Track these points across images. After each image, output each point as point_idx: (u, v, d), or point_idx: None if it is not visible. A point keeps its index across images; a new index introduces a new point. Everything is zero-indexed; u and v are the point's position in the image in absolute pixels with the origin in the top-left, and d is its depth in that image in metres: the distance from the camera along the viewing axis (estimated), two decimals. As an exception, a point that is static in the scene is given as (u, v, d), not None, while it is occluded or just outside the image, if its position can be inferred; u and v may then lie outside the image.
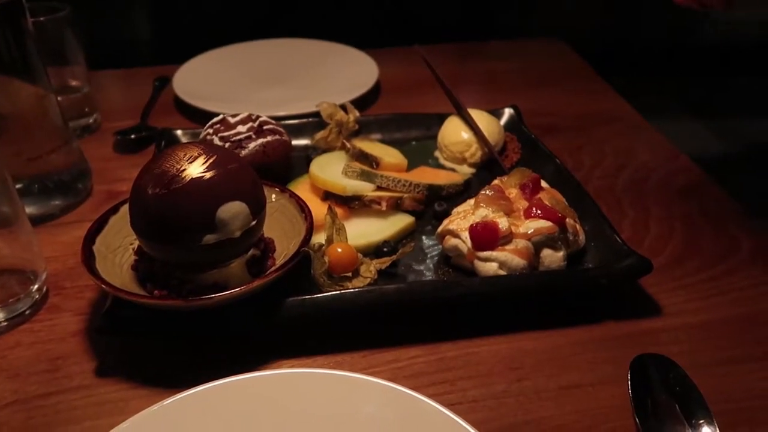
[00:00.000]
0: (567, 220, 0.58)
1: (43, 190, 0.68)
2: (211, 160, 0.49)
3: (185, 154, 0.49)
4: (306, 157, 0.74)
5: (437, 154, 0.78)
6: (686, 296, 0.59)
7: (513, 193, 0.60)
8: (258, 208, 0.52)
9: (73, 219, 0.70)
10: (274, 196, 0.60)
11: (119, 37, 1.24)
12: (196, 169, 0.48)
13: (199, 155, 0.49)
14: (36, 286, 0.57)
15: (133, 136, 0.83)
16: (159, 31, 1.27)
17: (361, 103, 0.90)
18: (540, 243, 0.57)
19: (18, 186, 0.66)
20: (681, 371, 0.48)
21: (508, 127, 0.81)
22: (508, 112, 0.84)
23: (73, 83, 0.86)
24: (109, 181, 0.76)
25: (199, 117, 0.88)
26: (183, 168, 0.48)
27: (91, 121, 0.88)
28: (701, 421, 0.45)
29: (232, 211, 0.49)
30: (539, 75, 1.07)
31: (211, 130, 0.69)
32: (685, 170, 0.80)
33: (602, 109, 0.95)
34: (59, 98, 0.82)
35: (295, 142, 0.76)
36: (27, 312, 0.56)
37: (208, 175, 0.48)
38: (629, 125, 0.91)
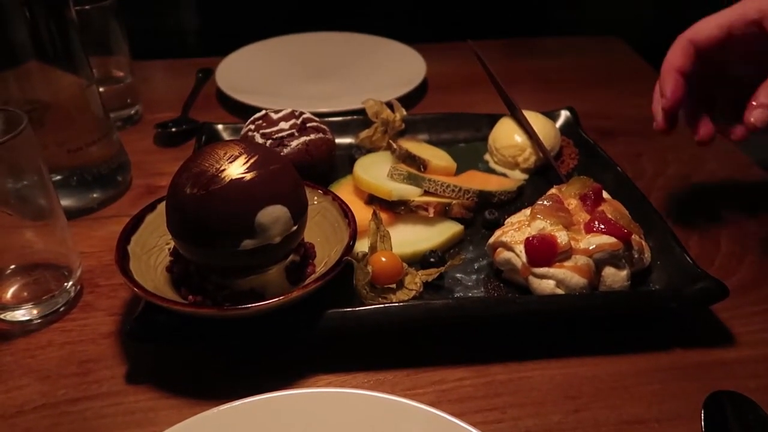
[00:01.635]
0: (632, 236, 0.53)
1: (82, 182, 0.67)
2: (252, 161, 0.46)
3: (225, 153, 0.46)
4: (349, 156, 0.71)
5: (487, 157, 0.74)
6: (763, 324, 0.54)
7: (572, 204, 0.56)
8: (299, 213, 0.48)
9: (110, 213, 0.68)
10: (316, 198, 0.57)
11: (163, 27, 1.23)
12: (236, 169, 0.46)
13: (240, 154, 0.46)
14: (70, 283, 0.55)
15: (173, 129, 0.82)
16: (203, 22, 1.26)
17: (408, 100, 0.86)
18: (602, 260, 0.52)
19: (56, 178, 0.65)
20: (762, 412, 0.43)
21: (564, 130, 0.76)
22: (564, 114, 0.79)
23: (116, 74, 0.85)
24: (148, 175, 0.75)
25: (241, 111, 0.86)
26: (223, 168, 0.45)
27: (132, 112, 0.86)
28: (786, 472, 0.40)
29: (273, 215, 0.46)
30: (595, 74, 1.01)
31: (252, 126, 0.66)
32: (758, 181, 0.74)
33: (665, 113, 0.89)
34: (101, 89, 0.81)
35: (338, 141, 0.73)
36: (61, 309, 0.55)
37: (248, 176, 0.46)
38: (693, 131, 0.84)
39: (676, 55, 0.56)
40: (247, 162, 0.46)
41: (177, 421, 0.41)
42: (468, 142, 0.77)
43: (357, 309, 0.49)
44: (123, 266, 0.48)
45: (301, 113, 0.68)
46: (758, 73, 0.53)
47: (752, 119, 0.51)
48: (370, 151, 0.72)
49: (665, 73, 0.57)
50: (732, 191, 0.72)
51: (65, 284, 0.55)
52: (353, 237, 0.52)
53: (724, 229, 0.65)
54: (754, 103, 0.51)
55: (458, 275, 0.57)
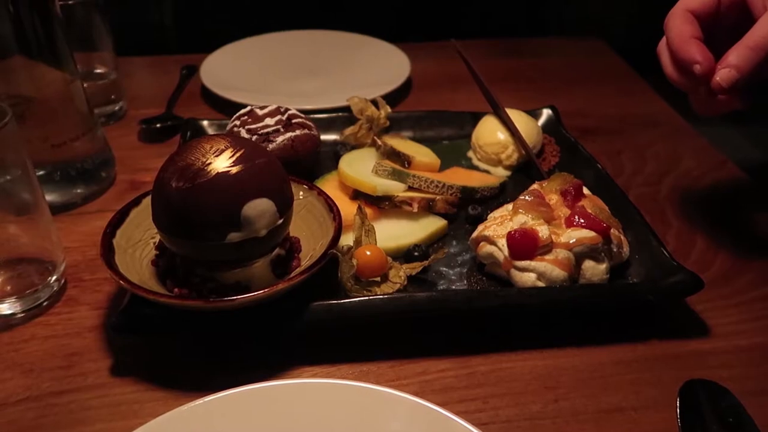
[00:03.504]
0: (611, 230, 0.54)
1: (66, 177, 0.66)
2: (238, 154, 0.47)
3: (211, 147, 0.47)
4: (335, 152, 0.72)
5: (471, 154, 0.75)
6: (737, 316, 0.55)
7: (554, 199, 0.57)
8: (285, 206, 0.49)
9: (94, 208, 0.68)
10: (301, 192, 0.57)
11: (148, 23, 1.22)
12: (222, 162, 0.46)
13: (226, 148, 0.47)
14: (54, 277, 0.55)
15: (158, 125, 0.82)
16: (188, 19, 1.25)
17: (392, 99, 0.87)
18: (582, 254, 0.53)
19: (40, 173, 0.65)
20: (735, 400, 0.45)
21: (546, 128, 0.78)
22: (546, 112, 0.80)
23: (100, 69, 0.85)
24: (132, 171, 0.74)
25: (226, 108, 0.86)
26: (209, 161, 0.46)
27: (116, 108, 0.86)
28: (757, 457, 0.41)
29: (259, 208, 0.46)
30: (576, 74, 1.03)
31: (238, 122, 0.66)
32: (733, 178, 0.76)
33: (643, 111, 0.91)
34: (85, 84, 0.80)
35: (323, 137, 0.73)
36: (44, 303, 0.55)
37: (234, 169, 0.46)
38: (671, 129, 0.86)
39: (683, 24, 0.52)
40: (233, 156, 0.46)
41: (162, 413, 0.41)
42: (451, 139, 0.78)
43: (342, 301, 0.49)
44: (108, 259, 0.49)
45: (287, 109, 0.68)
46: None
47: (717, 78, 0.49)
48: (354, 147, 0.72)
49: (682, 43, 0.51)
50: (708, 188, 0.74)
51: (49, 278, 0.55)
52: (338, 231, 0.52)
53: (700, 224, 0.67)
54: (719, 65, 0.50)
55: (442, 269, 0.57)
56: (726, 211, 0.69)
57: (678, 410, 0.44)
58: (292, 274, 0.50)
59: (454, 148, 0.76)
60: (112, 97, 0.85)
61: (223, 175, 0.45)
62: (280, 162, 0.51)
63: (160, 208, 0.48)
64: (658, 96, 0.95)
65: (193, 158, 0.46)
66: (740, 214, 0.69)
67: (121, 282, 0.47)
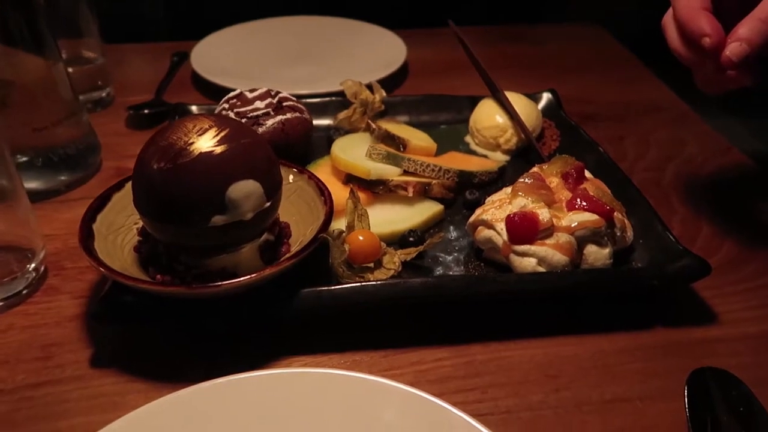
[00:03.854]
0: (615, 213, 0.52)
1: (48, 163, 0.64)
2: (222, 134, 0.44)
3: (194, 126, 0.44)
4: (328, 138, 0.69)
5: (468, 139, 0.73)
6: (744, 303, 0.53)
7: (554, 182, 0.55)
8: (273, 189, 0.47)
9: (79, 195, 0.66)
10: (291, 176, 0.55)
11: (138, 12, 1.20)
12: (205, 142, 0.44)
13: (210, 128, 0.44)
14: (33, 265, 0.53)
15: (146, 111, 0.79)
16: (179, 6, 1.23)
17: (388, 85, 0.85)
18: (584, 238, 0.51)
19: (22, 159, 0.63)
20: (746, 389, 0.43)
21: (546, 112, 0.75)
22: (546, 96, 0.78)
23: (86, 54, 0.82)
24: (118, 158, 0.72)
25: (217, 94, 0.82)
26: (191, 141, 0.43)
27: (104, 94, 0.84)
28: (769, 448, 0.39)
29: (245, 190, 0.44)
30: (577, 61, 1.01)
31: (226, 105, 0.64)
32: (738, 164, 0.73)
33: (645, 97, 0.89)
34: (71, 69, 0.78)
35: (316, 122, 0.71)
36: (24, 292, 0.52)
37: (218, 149, 0.44)
38: (674, 115, 0.84)
39: None
40: (217, 135, 0.44)
41: (143, 404, 0.39)
42: (449, 124, 0.75)
43: (333, 288, 0.47)
44: (87, 245, 0.46)
45: (278, 92, 0.66)
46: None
47: (727, 52, 0.47)
48: (348, 132, 0.70)
49: (690, 14, 0.49)
50: (713, 174, 0.72)
51: (28, 266, 0.53)
52: (329, 215, 0.50)
53: (705, 211, 0.64)
54: (729, 39, 0.47)
55: (438, 255, 0.55)
56: (732, 197, 0.67)
57: (686, 399, 0.42)
58: (281, 260, 0.48)
59: (451, 133, 0.73)
60: (99, 83, 0.83)
61: (207, 155, 0.43)
62: (268, 143, 0.49)
63: (141, 190, 0.45)
64: (660, 82, 0.93)
65: (175, 138, 0.44)
66: (746, 201, 0.67)
67: (100, 268, 0.44)
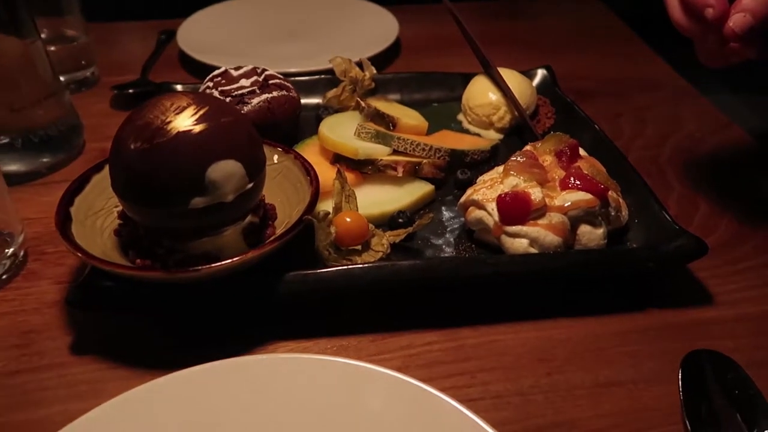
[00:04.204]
0: (609, 192, 0.50)
1: (29, 145, 0.62)
2: (201, 112, 0.43)
3: (172, 104, 0.43)
4: (316, 116, 0.68)
5: (461, 117, 0.71)
6: (742, 283, 0.52)
7: (548, 160, 0.53)
8: (255, 169, 0.45)
9: (61, 178, 0.64)
10: (276, 156, 0.54)
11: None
12: (184, 121, 0.42)
13: (188, 105, 0.43)
14: (11, 250, 0.51)
15: (131, 91, 0.77)
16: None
17: (380, 62, 0.83)
18: (577, 218, 0.49)
19: (1, 140, 0.61)
20: (742, 372, 0.42)
21: (541, 89, 0.73)
22: (540, 73, 0.76)
23: (68, 33, 0.80)
24: (103, 139, 0.70)
25: (204, 73, 0.79)
26: (169, 120, 0.42)
27: (88, 74, 0.82)
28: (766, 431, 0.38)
29: (225, 170, 0.43)
30: (573, 37, 0.98)
31: (210, 84, 0.62)
32: (737, 141, 0.72)
33: (643, 73, 0.87)
34: (52, 48, 0.76)
35: (305, 101, 0.69)
36: (3, 277, 0.51)
37: (197, 128, 0.42)
38: (673, 91, 0.83)
39: None
40: (195, 113, 0.42)
41: (124, 392, 0.38)
42: (441, 102, 0.74)
43: (318, 271, 0.46)
44: (63, 229, 0.45)
45: (264, 70, 0.64)
46: None
47: (731, 24, 0.45)
48: (337, 110, 0.68)
49: None
50: (711, 151, 0.70)
51: (6, 251, 0.51)
52: (315, 196, 0.49)
53: (703, 189, 0.63)
54: (733, 9, 0.46)
55: (429, 236, 0.54)
56: (730, 174, 0.66)
57: (680, 383, 0.41)
58: (265, 243, 0.46)
59: (443, 111, 0.71)
60: (83, 62, 0.81)
61: (185, 135, 0.41)
62: (250, 121, 0.47)
63: (117, 171, 0.44)
64: (659, 57, 0.91)
65: (151, 117, 0.42)
66: (745, 178, 0.65)
67: (77, 253, 0.43)
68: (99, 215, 0.49)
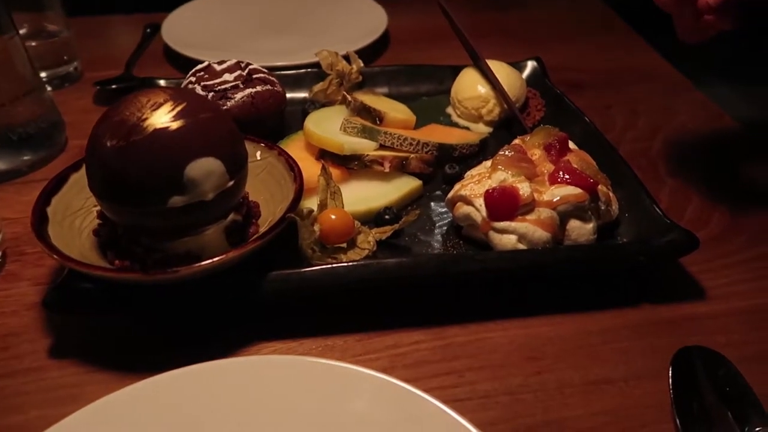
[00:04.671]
0: (599, 186, 0.50)
1: (7, 143, 0.61)
2: (179, 108, 0.41)
3: (149, 101, 0.41)
4: (303, 111, 0.67)
5: (450, 110, 0.70)
6: (734, 277, 0.51)
7: (536, 154, 0.52)
8: (236, 167, 0.44)
9: (42, 176, 0.62)
10: (259, 153, 0.52)
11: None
12: (160, 118, 0.41)
13: (165, 102, 0.41)
14: (-11, 251, 0.50)
15: (114, 87, 0.76)
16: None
17: (368, 55, 0.81)
18: (567, 213, 0.49)
19: (-21, 139, 0.60)
20: (732, 368, 0.41)
21: (531, 81, 0.72)
22: (530, 64, 0.75)
23: (49, 28, 0.78)
24: (86, 136, 0.65)
25: (190, 68, 0.79)
26: (145, 116, 0.41)
27: (71, 69, 0.80)
28: (757, 429, 0.37)
29: (204, 168, 0.41)
30: (564, 27, 0.97)
31: (193, 79, 0.61)
32: (730, 133, 0.71)
33: (635, 64, 0.86)
34: (33, 44, 0.75)
35: (291, 95, 0.68)
36: (-19, 280, 0.50)
37: (175, 125, 0.41)
38: (665, 83, 0.81)
39: None
40: (173, 110, 0.41)
41: (104, 396, 0.37)
42: (430, 95, 0.72)
43: (302, 270, 0.45)
44: (39, 230, 0.44)
45: (248, 64, 0.63)
46: None
47: None
48: (324, 105, 0.67)
49: None
50: (703, 143, 0.69)
51: (-17, 252, 0.50)
52: (299, 193, 0.48)
53: (695, 181, 0.62)
54: None
55: (416, 233, 0.53)
56: (723, 166, 0.65)
57: (670, 380, 0.41)
58: (247, 242, 0.45)
59: (432, 104, 0.70)
60: (65, 57, 0.79)
61: (162, 132, 0.40)
62: (231, 117, 0.46)
63: (94, 169, 0.43)
64: (651, 48, 0.90)
65: (127, 113, 0.41)
66: (737, 170, 0.64)
67: (53, 255, 0.42)
68: (77, 215, 0.48)
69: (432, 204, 0.57)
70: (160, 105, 0.41)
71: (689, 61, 0.93)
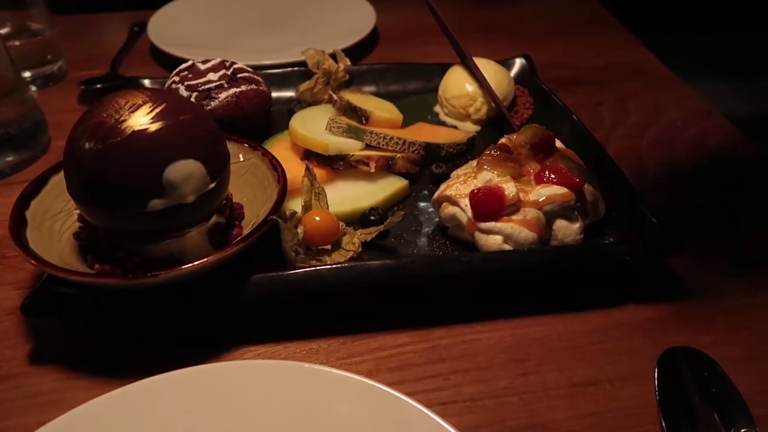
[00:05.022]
0: (585, 186, 0.49)
1: (-11, 144, 0.60)
2: (158, 110, 0.41)
3: (126, 102, 0.41)
4: (289, 110, 0.66)
5: (438, 109, 0.69)
6: (721, 276, 0.51)
7: (523, 153, 0.52)
8: (217, 169, 0.43)
9: (25, 178, 0.61)
10: (242, 154, 0.52)
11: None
12: (139, 119, 0.40)
13: (144, 103, 0.41)
14: (-31, 256, 0.50)
15: (100, 86, 0.75)
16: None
17: (356, 53, 0.81)
18: (553, 213, 0.48)
19: (-40, 140, 0.59)
20: (719, 369, 0.41)
21: (519, 79, 0.72)
22: (519, 62, 0.74)
23: (33, 26, 0.77)
24: None
25: (176, 67, 0.78)
26: (123, 118, 0.40)
27: (55, 69, 0.79)
28: (743, 430, 0.37)
29: (184, 171, 0.41)
30: (553, 24, 0.97)
31: (177, 78, 0.60)
32: (720, 130, 0.71)
33: (624, 61, 0.86)
34: (17, 42, 0.74)
35: (278, 94, 0.68)
36: (-39, 284, 0.49)
37: (153, 127, 0.40)
38: (655, 79, 0.81)
39: None
40: (151, 111, 0.41)
41: (84, 402, 0.37)
42: (417, 93, 0.72)
43: (285, 273, 0.44)
44: (17, 234, 0.43)
45: (233, 63, 0.62)
46: None
47: None
48: (311, 104, 0.66)
49: None
50: (693, 140, 0.69)
51: (-37, 256, 0.49)
52: (282, 195, 0.47)
53: (683, 178, 0.62)
54: None
55: (402, 234, 0.52)
56: (711, 164, 0.64)
57: (656, 381, 0.40)
58: (229, 245, 0.45)
59: (419, 103, 0.70)
60: (49, 56, 0.78)
61: (140, 134, 0.40)
62: (212, 119, 0.45)
63: (72, 173, 0.42)
64: (640, 44, 0.90)
65: (105, 115, 0.40)
66: (727, 167, 0.64)
67: (30, 260, 0.41)
68: (57, 218, 0.47)
69: (419, 204, 0.56)
70: (139, 106, 0.40)
71: (678, 56, 0.93)
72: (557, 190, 0.48)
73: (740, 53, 1.20)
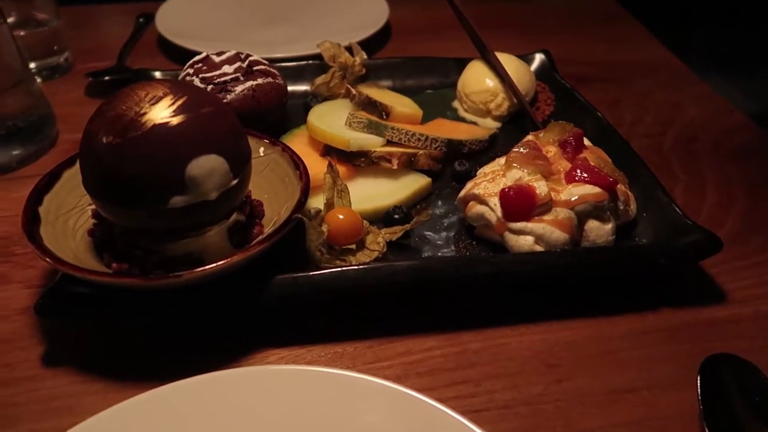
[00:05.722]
0: (618, 185, 0.48)
1: (-5, 137, 0.58)
2: (179, 102, 0.39)
3: (147, 94, 0.39)
4: (304, 104, 0.64)
5: (456, 104, 0.67)
6: (754, 279, 0.50)
7: (551, 151, 0.50)
8: (240, 165, 0.41)
9: (33, 172, 0.60)
10: (262, 149, 0.50)
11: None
12: (160, 112, 0.38)
13: (165, 95, 0.39)
14: (-23, 253, 0.48)
15: (107, 78, 0.73)
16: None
17: (370, 47, 0.79)
18: (585, 213, 0.47)
19: (-35, 133, 0.57)
20: (761, 376, 0.39)
21: (539, 75, 0.70)
22: (538, 57, 0.73)
23: (39, 16, 0.75)
24: (77, 129, 0.62)
25: (185, 59, 0.76)
26: (143, 111, 0.38)
27: (61, 60, 0.77)
28: (789, 440, 0.36)
29: (207, 166, 0.39)
30: (572, 20, 0.95)
31: (191, 70, 0.58)
32: (741, 128, 0.69)
33: (642, 58, 0.84)
34: (21, 33, 0.72)
35: (292, 88, 0.66)
36: (-31, 282, 0.47)
37: (175, 120, 0.38)
38: (671, 76, 0.80)
39: None
40: (173, 104, 0.39)
41: (102, 408, 0.35)
42: (435, 88, 0.70)
43: (310, 273, 0.42)
44: (31, 230, 0.41)
45: (248, 55, 0.60)
46: None
47: None
48: (327, 98, 0.65)
49: None
50: (714, 137, 0.67)
51: (-29, 253, 0.47)
52: (305, 192, 0.45)
53: (709, 177, 0.61)
54: None
55: (426, 233, 0.51)
56: (736, 162, 0.63)
57: (699, 390, 0.39)
58: (252, 244, 0.43)
59: (438, 98, 0.68)
60: (55, 47, 0.76)
61: (161, 127, 0.38)
62: (233, 112, 0.43)
63: (88, 168, 0.40)
64: (657, 41, 0.88)
65: (124, 108, 0.38)
66: (751, 166, 0.63)
67: (45, 258, 0.39)
68: (71, 214, 0.45)
69: (440, 202, 0.55)
70: (160, 99, 0.39)
71: (695, 53, 0.91)
72: (590, 190, 0.46)
73: (755, 51, 1.19)
